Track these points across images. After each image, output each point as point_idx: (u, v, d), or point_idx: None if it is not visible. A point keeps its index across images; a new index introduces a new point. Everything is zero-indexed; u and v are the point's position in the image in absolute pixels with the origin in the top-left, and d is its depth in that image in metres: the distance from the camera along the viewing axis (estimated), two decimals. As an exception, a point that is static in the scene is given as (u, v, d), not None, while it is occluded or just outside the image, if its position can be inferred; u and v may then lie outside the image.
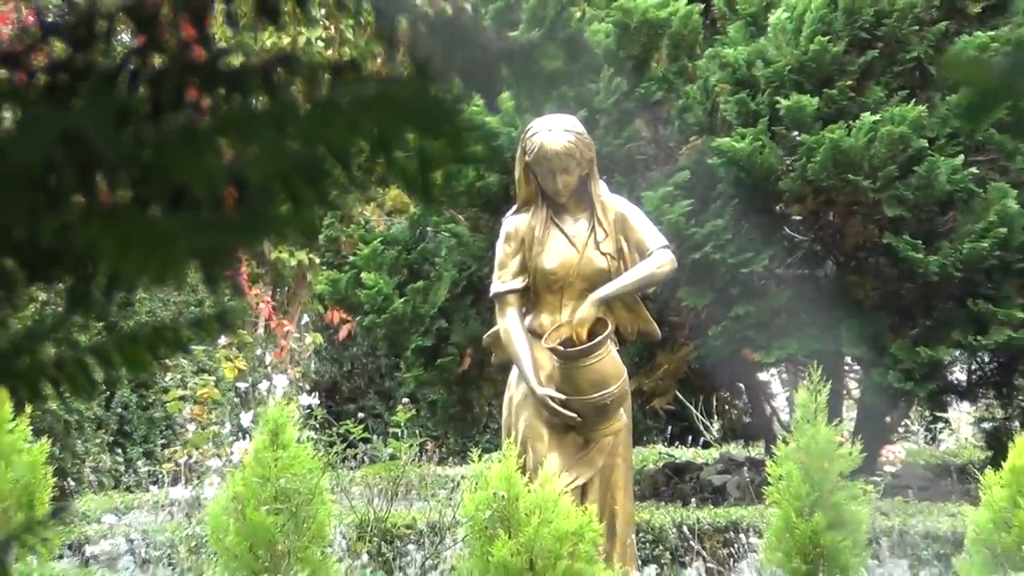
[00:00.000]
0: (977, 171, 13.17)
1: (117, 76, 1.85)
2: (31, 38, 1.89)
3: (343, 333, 15.38)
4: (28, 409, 8.44)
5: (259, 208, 1.77)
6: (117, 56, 1.86)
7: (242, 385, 13.29)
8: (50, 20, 1.91)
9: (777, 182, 13.30)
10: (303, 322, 14.88)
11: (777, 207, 13.67)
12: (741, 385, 15.67)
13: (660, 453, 14.19)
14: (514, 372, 10.04)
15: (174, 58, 1.81)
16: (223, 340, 12.91)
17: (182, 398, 13.55)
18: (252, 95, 1.81)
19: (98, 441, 13.61)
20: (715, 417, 15.16)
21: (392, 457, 12.48)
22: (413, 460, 12.47)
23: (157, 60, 1.84)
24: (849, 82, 13.28)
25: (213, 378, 13.25)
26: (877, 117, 12.97)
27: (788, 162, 13.22)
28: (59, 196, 1.74)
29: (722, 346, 13.72)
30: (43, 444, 9.92)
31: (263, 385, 12.87)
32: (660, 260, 9.94)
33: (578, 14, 14.07)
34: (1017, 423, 14.69)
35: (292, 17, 1.98)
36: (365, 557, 10.24)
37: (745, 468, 13.77)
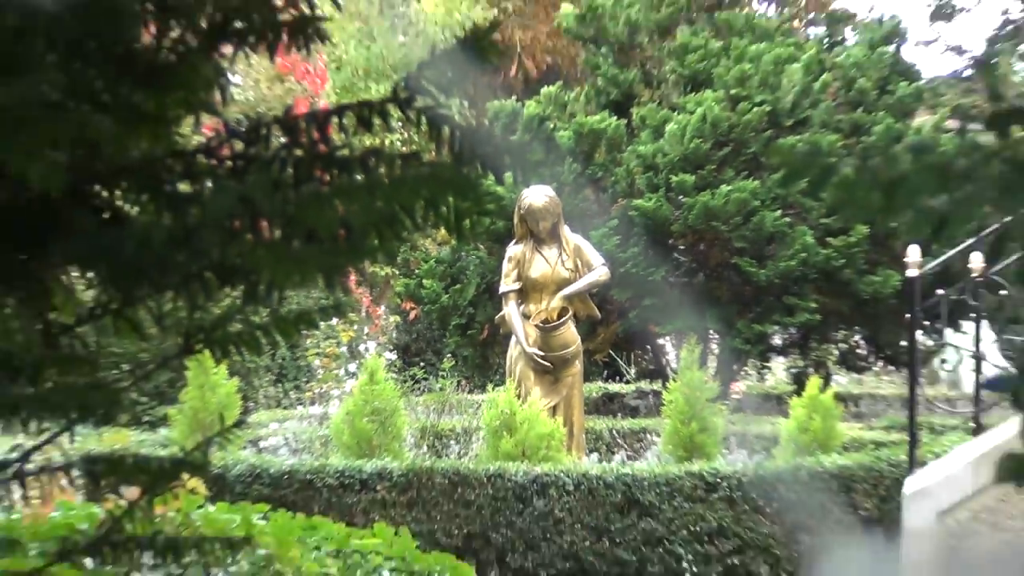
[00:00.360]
0: (789, 219, 13.15)
1: (272, 161, 1.82)
2: (221, 139, 1.86)
3: (411, 315, 15.28)
4: (224, 361, 8.42)
5: (359, 242, 1.75)
6: (273, 148, 1.84)
7: (351, 347, 13.32)
8: (232, 128, 1.88)
9: (670, 227, 13.27)
10: (386, 309, 14.80)
11: (670, 241, 13.63)
12: (648, 346, 15.64)
13: (600, 387, 14.08)
14: (513, 339, 10.12)
15: (308, 151, 1.79)
16: (339, 320, 13.11)
17: (316, 354, 13.53)
18: (355, 173, 1.79)
19: (267, 379, 13.58)
20: (632, 365, 15.05)
21: (440, 389, 12.47)
22: (453, 391, 12.47)
23: (297, 152, 1.82)
24: (712, 167, 13.26)
25: (335, 341, 13.17)
26: (730, 187, 12.96)
27: (676, 214, 13.17)
28: (238, 234, 1.71)
29: (637, 323, 13.72)
30: (233, 381, 9.89)
31: (363, 346, 12.87)
32: (600, 272, 10.12)
33: (552, 126, 14.06)
34: (811, 369, 14.64)
35: (380, 127, 1.95)
36: (424, 448, 10.20)
37: (650, 396, 13.70)
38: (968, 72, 23.46)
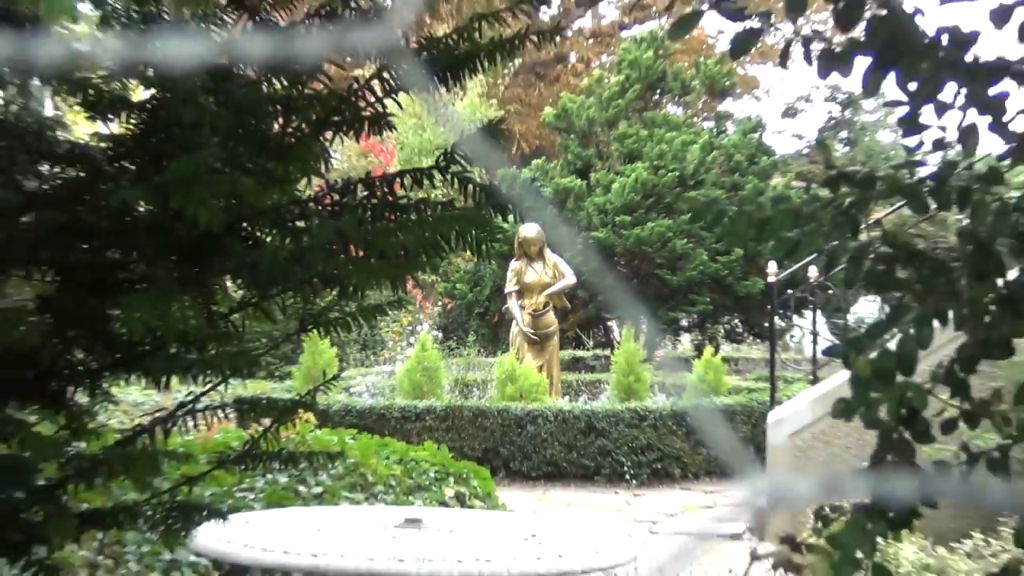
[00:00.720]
0: (691, 245, 13.13)
1: (357, 207, 1.79)
2: (324, 192, 1.84)
3: (448, 307, 15.22)
4: (327, 336, 8.42)
5: (413, 260, 1.73)
6: (358, 198, 1.81)
7: (410, 326, 13.24)
8: (331, 185, 1.85)
9: (615, 250, 13.25)
10: (432, 302, 14.77)
11: (615, 259, 13.60)
12: (601, 326, 15.57)
13: (570, 353, 14.05)
14: (514, 322, 10.08)
15: (380, 200, 1.77)
16: (401, 310, 13.12)
17: (387, 331, 13.48)
18: (410, 214, 1.77)
19: (355, 348, 13.50)
20: (591, 339, 14.99)
21: (467, 355, 12.43)
22: (475, 356, 12.41)
23: (374, 200, 1.80)
24: (642, 211, 13.26)
25: (399, 323, 13.13)
26: (653, 224, 12.97)
27: (620, 241, 13.14)
28: (335, 254, 1.69)
29: (594, 311, 13.69)
30: (333, 349, 9.86)
31: (418, 327, 12.80)
32: (569, 280, 10.08)
33: (539, 185, 14.04)
34: (707, 341, 14.60)
35: (428, 185, 1.93)
36: (456, 392, 10.14)
37: (603, 359, 13.65)
38: (806, 150, 23.48)
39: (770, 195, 12.06)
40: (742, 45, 1.26)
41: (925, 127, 1.19)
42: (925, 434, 1.15)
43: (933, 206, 1.21)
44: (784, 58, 1.33)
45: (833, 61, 1.19)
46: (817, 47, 1.20)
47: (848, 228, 1.18)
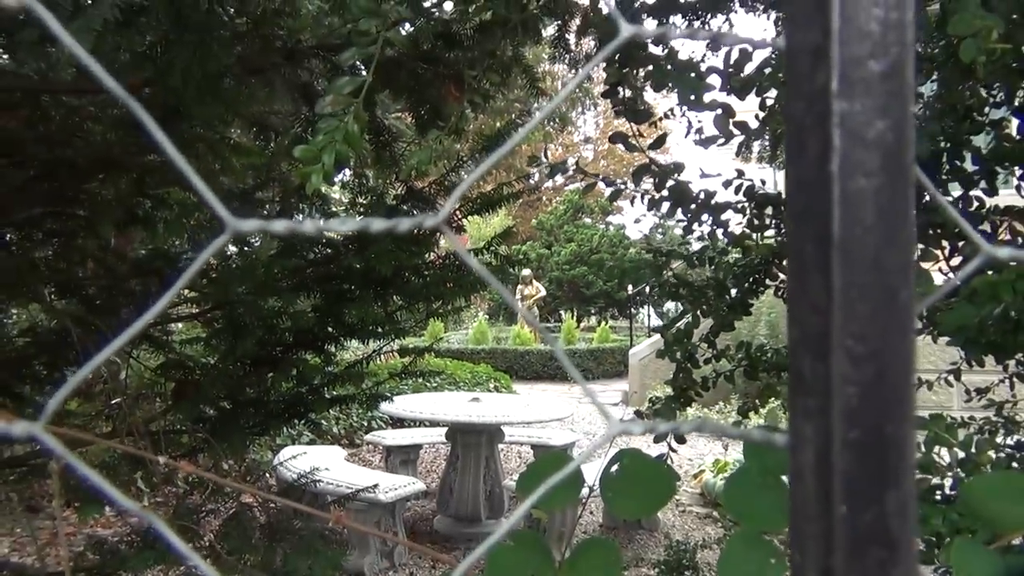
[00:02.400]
0: (595, 278, 12.89)
1: (451, 265, 1.75)
2: (437, 257, 1.80)
3: (490, 304, 14.92)
4: (438, 319, 8.17)
5: (474, 287, 1.69)
6: (451, 261, 1.77)
7: (475, 312, 12.94)
8: (438, 254, 1.81)
9: (563, 280, 13.06)
10: (486, 301, 14.52)
11: (563, 284, 13.39)
12: (558, 313, 15.31)
13: (544, 324, 13.86)
14: (519, 312, 9.85)
15: (461, 262, 1.76)
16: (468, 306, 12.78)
17: (465, 315, 13.10)
18: (471, 269, 1.72)
19: (452, 323, 12.76)
20: (551, 319, 14.74)
21: (500, 325, 12.17)
22: (503, 325, 12.16)
23: (457, 262, 1.77)
24: (575, 262, 13.05)
25: (469, 311, 12.75)
26: (580, 269, 12.79)
27: (565, 276, 12.93)
28: (440, 286, 1.65)
29: (553, 307, 13.48)
30: (440, 324, 9.58)
31: (478, 313, 12.51)
32: (542, 293, 9.90)
33: (527, 251, 13.85)
34: (603, 320, 14.35)
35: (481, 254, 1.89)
36: (495, 342, 9.90)
37: (558, 328, 13.40)
38: (645, 237, 23.11)
39: (627, 259, 11.96)
40: (614, 196, 1.24)
41: (693, 231, 1.16)
42: (696, 363, 1.12)
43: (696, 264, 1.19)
44: (632, 201, 1.31)
45: (653, 204, 1.17)
46: (647, 197, 1.18)
47: (657, 273, 1.15)
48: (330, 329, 1.69)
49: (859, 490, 0.16)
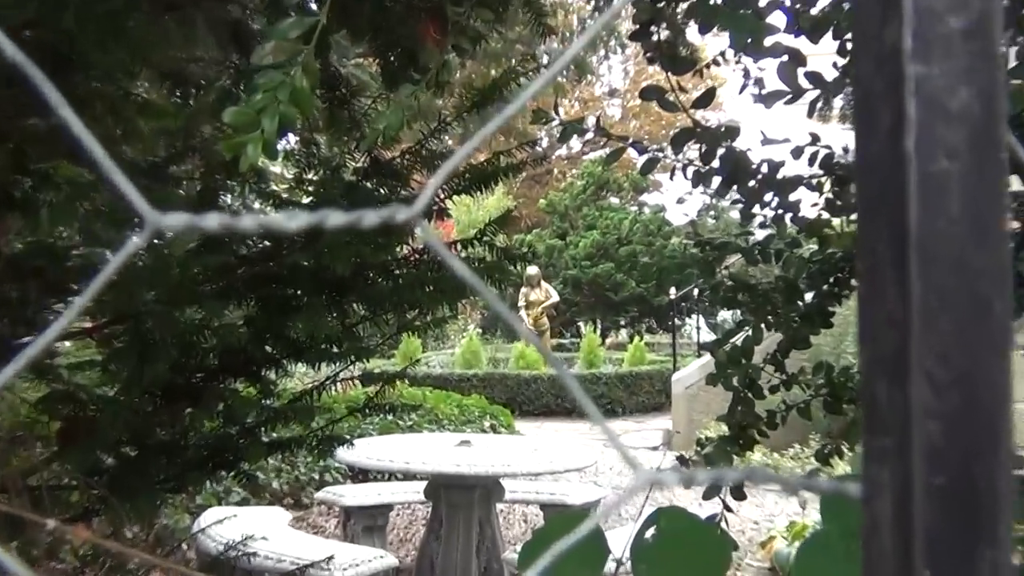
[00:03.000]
0: (625, 277, 12.96)
1: (431, 263, 1.78)
2: (411, 252, 1.82)
3: (485, 314, 15.05)
4: (415, 335, 8.32)
5: (461, 292, 1.71)
6: (430, 257, 1.79)
7: (463, 326, 13.04)
8: (413, 248, 1.83)
9: (582, 281, 13.13)
10: (477, 311, 14.63)
11: (581, 286, 13.49)
12: (574, 326, 15.42)
13: (556, 342, 13.91)
14: (524, 324, 9.95)
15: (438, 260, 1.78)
16: (455, 317, 12.95)
17: (451, 328, 13.26)
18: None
19: (432, 339, 13.06)
20: (568, 333, 14.83)
21: (496, 343, 12.26)
22: (501, 343, 12.24)
23: (439, 259, 1.79)
24: (597, 258, 13.20)
25: (456, 324, 12.91)
26: (603, 266, 12.90)
27: (584, 276, 13.03)
28: (415, 290, 1.67)
29: (569, 317, 13.56)
30: (417, 341, 9.60)
31: (468, 326, 12.62)
32: (555, 299, 10.07)
33: (537, 246, 13.98)
34: (636, 334, 14.43)
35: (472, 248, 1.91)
36: (491, 365, 9.97)
37: (576, 344, 13.48)
38: (690, 222, 23.32)
39: (668, 252, 12.04)
40: (647, 167, 1.26)
41: (754, 215, 1.18)
42: (759, 393, 1.14)
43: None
44: (671, 174, 1.33)
45: (699, 179, 1.18)
46: (691, 169, 1.20)
47: (708, 272, 1.17)
48: (269, 349, 1.70)
49: (945, 549, 0.15)
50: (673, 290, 8.76)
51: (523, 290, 10.13)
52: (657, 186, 25.70)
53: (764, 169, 1.15)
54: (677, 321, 10.92)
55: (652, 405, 9.05)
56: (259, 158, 0.54)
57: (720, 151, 1.16)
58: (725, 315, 12.47)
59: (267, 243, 1.80)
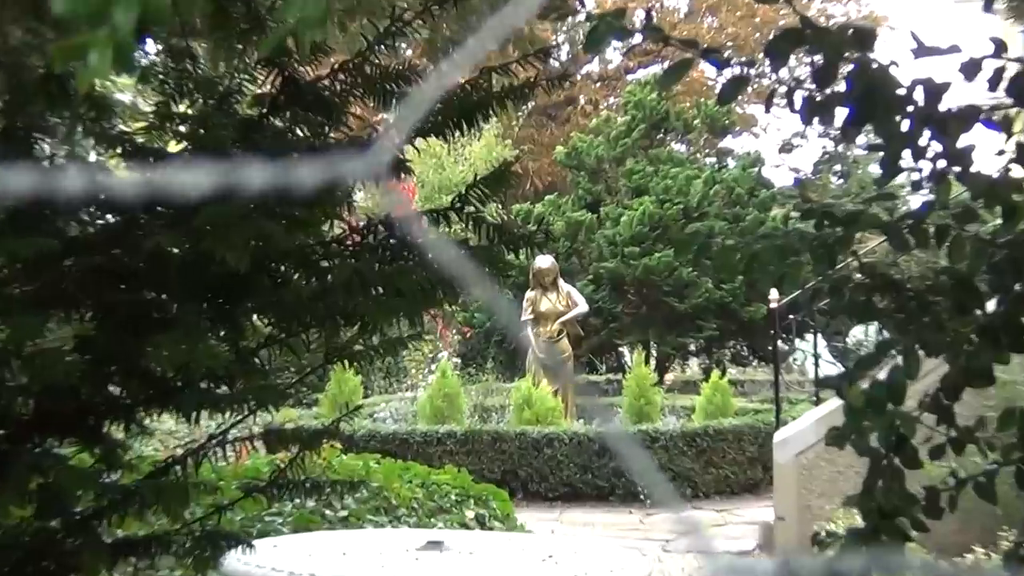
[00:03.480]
0: (696, 273, 13.14)
1: (378, 247, 1.81)
2: (346, 232, 1.85)
3: (467, 335, 15.18)
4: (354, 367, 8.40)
5: (430, 296, 1.73)
6: (379, 238, 1.82)
7: (431, 354, 13.19)
8: (352, 226, 1.86)
9: (625, 279, 13.24)
10: (453, 330, 14.72)
11: (624, 288, 13.59)
12: (613, 351, 15.52)
13: (584, 377, 13.97)
14: (530, 349, 10.03)
15: (400, 239, 1.79)
16: (422, 339, 13.05)
17: (410, 359, 13.41)
18: (427, 254, 1.78)
19: (380, 375, 13.43)
20: (603, 363, 14.93)
21: (485, 380, 12.38)
22: (493, 381, 12.37)
23: (393, 241, 1.81)
24: (650, 242, 13.41)
25: (420, 351, 13.06)
26: (660, 254, 13.00)
27: (629, 271, 13.14)
28: (354, 293, 1.69)
29: (606, 337, 13.66)
30: (357, 378, 9.77)
31: (439, 354, 12.75)
32: (582, 308, 10.08)
33: (551, 219, 14.11)
34: (713, 365, 14.53)
35: (444, 224, 1.94)
36: (476, 417, 10.04)
37: (615, 383, 13.58)
38: (802, 180, 23.61)
39: (761, 232, 12.15)
40: (730, 93, 1.26)
41: (902, 170, 1.19)
42: (914, 460, 1.14)
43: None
44: (768, 104, 1.33)
45: (815, 110, 1.19)
46: (801, 95, 1.20)
47: (827, 262, 1.18)
48: (115, 389, 1.70)
49: None
50: (775, 293, 8.78)
51: (529, 294, 10.15)
52: (748, 124, 25.77)
53: (918, 97, 1.16)
54: (782, 345, 10.95)
55: (742, 482, 9.08)
56: (107, 72, 0.52)
57: (847, 67, 1.16)
58: (859, 334, 12.51)
59: (111, 218, 1.81)
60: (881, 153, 1.19)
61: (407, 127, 1.88)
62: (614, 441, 8.62)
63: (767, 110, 1.31)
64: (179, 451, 1.86)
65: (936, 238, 1.19)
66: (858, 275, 1.19)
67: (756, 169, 14.96)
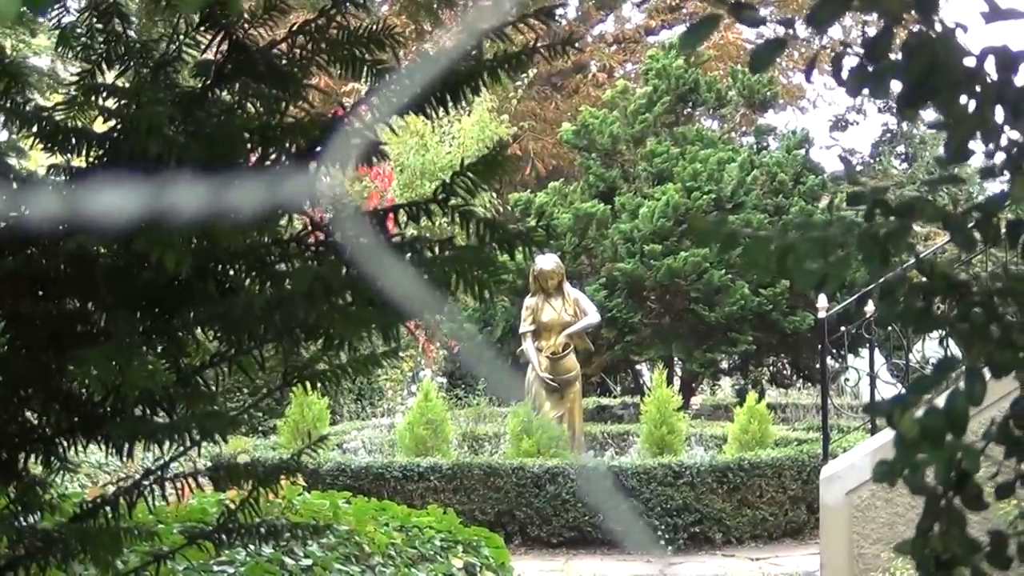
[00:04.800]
0: (731, 276, 13.14)
1: (344, 248, 1.82)
2: (307, 229, 1.86)
3: (455, 349, 15.18)
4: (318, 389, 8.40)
5: (405, 299, 1.74)
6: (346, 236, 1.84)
7: (412, 373, 13.20)
8: (315, 222, 1.87)
9: (644, 282, 13.26)
10: (437, 345, 14.72)
11: (644, 293, 13.60)
12: (629, 369, 15.54)
13: (594, 400, 13.99)
14: (530, 366, 10.02)
15: (372, 238, 1.80)
16: (402, 354, 13.04)
17: (386, 379, 13.44)
18: (404, 254, 1.79)
19: (350, 398, 13.44)
20: (618, 384, 14.94)
21: (477, 404, 12.41)
22: (486, 405, 12.39)
23: (363, 240, 1.83)
24: (674, 238, 13.34)
25: (399, 369, 13.08)
26: (687, 253, 12.98)
27: (649, 273, 13.15)
28: (316, 302, 1.70)
29: (620, 353, 13.67)
30: (324, 400, 9.76)
31: (420, 373, 12.77)
32: (592, 318, 10.12)
33: (555, 210, 14.14)
34: (749, 386, 14.55)
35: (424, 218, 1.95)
36: (465, 448, 10.07)
37: (631, 407, 13.60)
38: (858, 168, 23.57)
39: (796, 222, 12.18)
40: (764, 58, 1.27)
41: (970, 154, 1.19)
42: (977, 500, 1.15)
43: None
44: (809, 72, 1.35)
45: (865, 81, 1.20)
46: (850, 62, 1.21)
47: (878, 259, 1.18)
48: (31, 415, 1.71)
49: None
50: (823, 300, 8.79)
51: (530, 301, 10.17)
52: (794, 97, 25.71)
53: (989, 68, 1.17)
54: (831, 362, 10.96)
55: (782, 525, 9.09)
56: (13, 10, 0.50)
57: (904, 31, 1.17)
58: (929, 350, 12.50)
59: (22, 212, 1.81)
60: (942, 133, 1.20)
61: (388, 106, 1.89)
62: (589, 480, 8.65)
63: (807, 79, 1.29)
64: (110, 489, 1.86)
65: (1008, 235, 1.19)
66: (920, 276, 1.20)
67: (803, 151, 14.96)
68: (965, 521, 1.15)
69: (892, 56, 1.21)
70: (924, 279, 1.22)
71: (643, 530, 8.58)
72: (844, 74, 1.24)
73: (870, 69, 1.20)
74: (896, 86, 1.22)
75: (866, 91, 1.22)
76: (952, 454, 1.09)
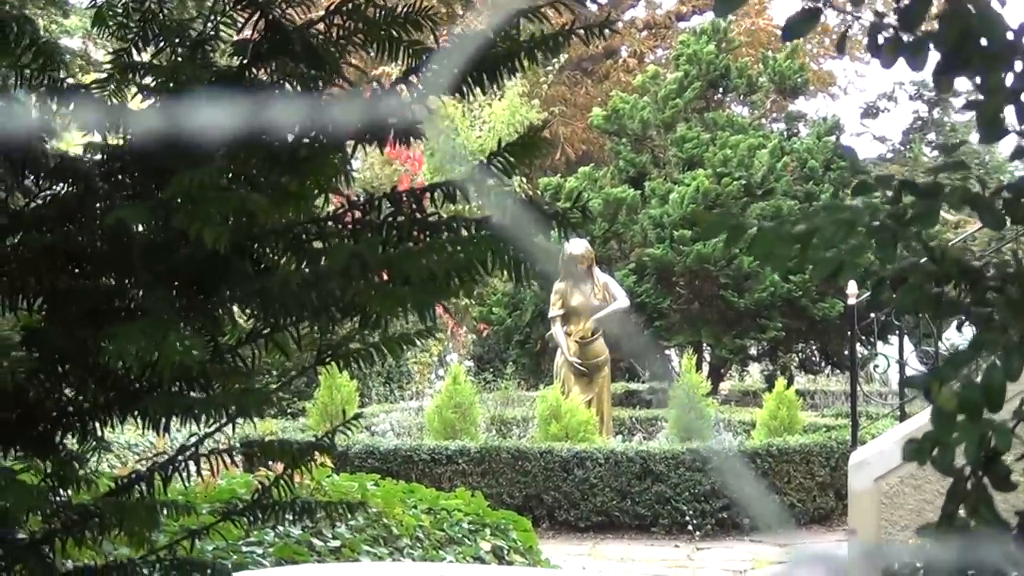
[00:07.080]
0: (759, 263, 13.06)
1: (382, 226, 1.80)
2: (343, 208, 1.85)
3: (484, 333, 15.20)
4: (346, 370, 8.44)
5: (443, 285, 1.72)
6: (382, 215, 1.82)
7: (440, 357, 13.24)
8: (352, 201, 1.86)
9: (673, 268, 13.23)
10: (466, 328, 14.74)
11: (673, 279, 13.56)
12: (658, 355, 15.52)
13: (623, 385, 13.96)
14: (559, 351, 10.01)
15: (408, 217, 1.78)
16: (431, 338, 12.99)
17: (415, 362, 13.47)
18: (440, 233, 1.77)
19: (378, 381, 13.46)
20: (646, 370, 14.92)
21: (505, 388, 12.42)
22: (514, 389, 12.40)
23: (400, 218, 1.81)
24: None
25: (428, 353, 13.11)
26: (717, 240, 12.92)
27: (679, 259, 13.11)
28: (353, 280, 1.69)
29: (650, 339, 13.63)
30: (353, 382, 9.80)
31: (449, 357, 12.80)
32: (622, 303, 10.03)
33: (586, 196, 14.13)
34: (778, 372, 14.48)
35: (460, 199, 1.93)
36: (493, 432, 10.08)
37: (660, 392, 13.57)
38: (890, 154, 23.33)
39: (822, 203, 12.09)
40: (797, 27, 1.24)
41: (1006, 132, 1.16)
42: (1006, 481, 1.12)
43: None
44: (840, 45, 1.32)
45: (900, 52, 1.17)
46: (883, 36, 1.18)
47: (892, 245, 1.15)
48: (68, 392, 1.71)
49: None
50: (853, 287, 8.71)
51: (559, 286, 10.14)
52: (825, 83, 25.52)
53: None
54: (861, 349, 10.86)
55: (810, 511, 9.05)
56: None
57: (940, 1, 1.14)
58: (958, 336, 12.39)
59: (61, 187, 1.82)
60: (975, 113, 1.17)
61: (426, 87, 1.88)
62: (718, 461, 8.62)
63: (839, 51, 1.28)
64: (142, 466, 1.87)
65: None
66: (930, 263, 1.17)
67: (834, 137, 14.85)
68: (992, 502, 1.13)
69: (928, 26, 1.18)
70: (935, 264, 1.19)
71: (777, 511, 8.57)
72: (881, 49, 1.21)
73: (905, 39, 1.18)
74: (932, 59, 1.19)
75: (900, 60, 1.19)
76: (983, 433, 1.07)
